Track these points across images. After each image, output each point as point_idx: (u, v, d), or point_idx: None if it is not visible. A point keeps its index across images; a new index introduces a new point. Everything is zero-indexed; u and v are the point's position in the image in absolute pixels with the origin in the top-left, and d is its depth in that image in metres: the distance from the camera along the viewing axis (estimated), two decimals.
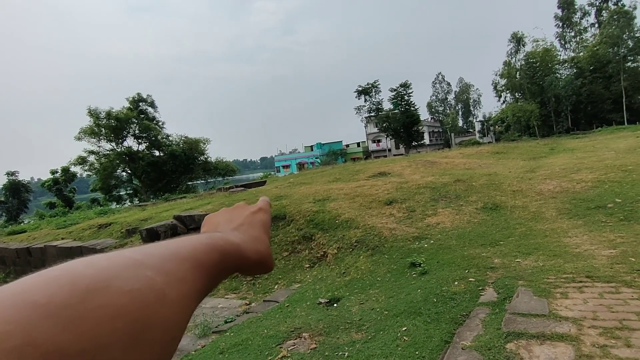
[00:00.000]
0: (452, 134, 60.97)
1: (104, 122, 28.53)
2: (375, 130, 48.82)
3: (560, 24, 45.85)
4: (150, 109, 31.56)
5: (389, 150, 51.73)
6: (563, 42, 45.77)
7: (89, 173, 30.38)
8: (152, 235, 8.22)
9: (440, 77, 76.13)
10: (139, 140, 30.30)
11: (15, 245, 11.46)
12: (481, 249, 5.95)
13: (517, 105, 40.54)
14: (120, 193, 31.28)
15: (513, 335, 3.29)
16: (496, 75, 45.15)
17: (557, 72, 40.26)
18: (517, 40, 42.53)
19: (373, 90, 41.76)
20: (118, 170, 30.11)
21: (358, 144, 59.55)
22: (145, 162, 29.41)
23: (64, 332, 0.20)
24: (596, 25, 43.61)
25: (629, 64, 37.71)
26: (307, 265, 7.23)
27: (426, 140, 51.71)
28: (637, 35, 36.65)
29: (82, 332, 0.20)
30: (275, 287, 6.92)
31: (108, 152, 29.28)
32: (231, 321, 5.61)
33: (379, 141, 55.47)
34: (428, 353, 3.42)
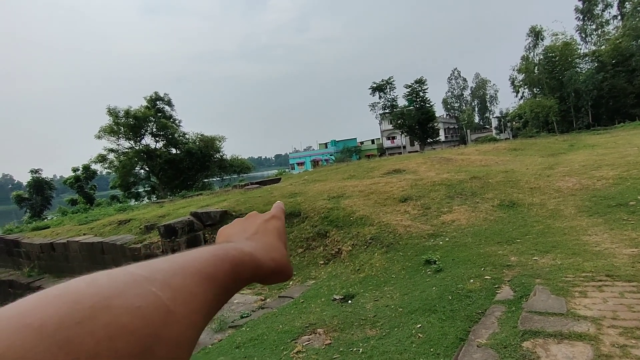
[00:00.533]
0: (468, 131, 60.07)
1: (122, 120, 29.15)
2: (390, 127, 48.48)
3: (581, 17, 44.57)
4: (167, 108, 32.07)
5: (404, 147, 51.32)
6: (584, 36, 44.51)
7: (108, 170, 31.09)
8: (170, 231, 8.38)
9: (456, 72, 75.08)
10: (157, 138, 30.85)
11: (39, 241, 11.83)
12: (497, 246, 5.88)
13: (535, 101, 39.65)
14: (139, 190, 31.92)
15: (530, 333, 3.26)
16: (513, 70, 44.23)
17: (578, 67, 39.18)
18: (536, 34, 41.54)
19: (387, 87, 41.40)
20: (136, 168, 30.73)
21: (372, 141, 59.26)
22: (163, 159, 29.93)
23: (60, 355, 0.19)
24: (619, 17, 42.23)
25: None
26: (322, 262, 7.27)
27: (441, 137, 51.14)
28: None
29: (80, 354, 0.20)
30: (290, 283, 6.98)
31: (127, 150, 29.92)
32: (247, 316, 5.71)
33: (393, 138, 55.09)
34: (443, 350, 3.42)
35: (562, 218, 6.79)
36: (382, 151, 53.34)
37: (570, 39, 39.95)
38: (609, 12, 43.39)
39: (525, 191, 8.52)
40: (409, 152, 41.31)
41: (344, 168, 15.53)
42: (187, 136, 31.54)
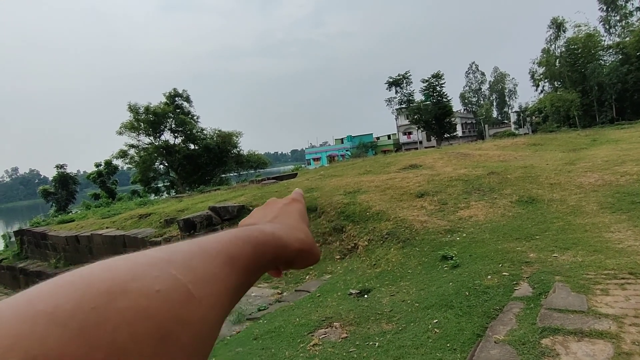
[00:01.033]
0: (486, 126, 59.01)
1: (142, 117, 29.73)
2: (406, 122, 48.01)
3: (604, 8, 43.01)
4: (185, 104, 32.50)
5: (420, 142, 50.80)
6: (607, 27, 42.96)
7: (129, 166, 31.83)
8: (188, 226, 8.56)
9: (474, 66, 73.70)
10: (175, 134, 31.34)
11: (65, 233, 12.25)
12: (516, 243, 5.82)
13: (556, 95, 38.62)
14: (158, 185, 32.55)
15: (549, 330, 3.24)
16: (534, 63, 43.19)
17: (601, 59, 37.94)
18: (558, 25, 40.37)
19: (404, 82, 40.97)
20: (156, 163, 31.31)
21: (389, 136, 58.84)
22: (181, 155, 30.44)
23: (75, 342, 0.18)
24: None
25: None
26: (338, 257, 7.32)
27: (459, 132, 50.36)
28: None
29: (97, 340, 0.19)
30: (307, 277, 7.06)
31: (147, 145, 30.52)
32: (264, 309, 5.81)
33: (409, 133, 54.56)
34: (460, 346, 3.42)
35: (584, 214, 6.65)
36: (398, 146, 52.93)
37: (594, 30, 38.74)
38: (632, 4, 41.76)
39: (545, 187, 8.36)
40: (426, 147, 40.89)
41: (360, 163, 15.51)
42: (205, 132, 31.95)
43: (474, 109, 69.62)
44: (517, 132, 46.36)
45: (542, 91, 44.31)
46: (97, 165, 34.34)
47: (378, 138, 58.92)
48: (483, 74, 73.40)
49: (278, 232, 0.36)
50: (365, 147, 50.91)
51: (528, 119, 52.57)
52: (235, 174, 32.62)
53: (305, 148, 69.15)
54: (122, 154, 30.67)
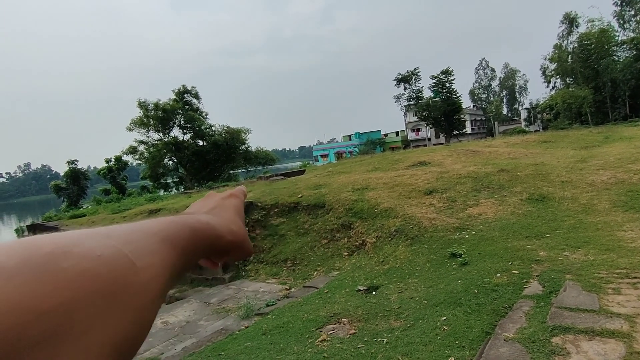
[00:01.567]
0: (496, 123, 58.34)
1: (152, 113, 29.92)
2: (415, 119, 47.72)
3: (619, 2, 42.09)
4: (194, 100, 32.64)
5: (429, 139, 50.46)
6: (622, 22, 42.06)
7: (139, 162, 32.08)
8: None
9: (484, 62, 72.71)
10: (184, 131, 31.51)
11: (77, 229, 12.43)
12: (526, 241, 5.77)
13: (568, 91, 38.02)
14: (168, 181, 32.78)
15: (559, 329, 3.22)
16: (545, 59, 42.47)
17: (615, 55, 37.23)
18: (570, 21, 39.68)
19: (413, 78, 40.66)
20: (165, 159, 31.51)
21: (397, 133, 58.55)
22: (190, 151, 30.62)
23: (25, 291, 0.20)
24: None
25: None
26: (346, 253, 7.33)
27: (468, 129, 49.88)
28: None
29: (50, 290, 0.20)
30: (315, 273, 7.09)
31: (156, 141, 30.74)
32: (272, 304, 5.84)
33: (418, 130, 54.23)
34: (468, 343, 3.41)
35: (596, 213, 6.57)
36: (406, 143, 52.65)
37: (607, 25, 37.98)
38: None
39: (556, 185, 8.27)
40: (434, 144, 40.62)
41: (368, 160, 15.47)
42: (213, 128, 32.06)
43: (483, 106, 68.85)
44: (527, 129, 45.77)
45: (553, 88, 43.66)
46: (108, 161, 34.72)
47: (386, 135, 58.67)
48: (493, 70, 72.38)
49: (212, 222, 0.37)
50: (373, 144, 50.72)
51: (539, 115, 51.89)
52: (244, 170, 32.74)
53: (313, 145, 69.16)
54: (132, 150, 30.94)
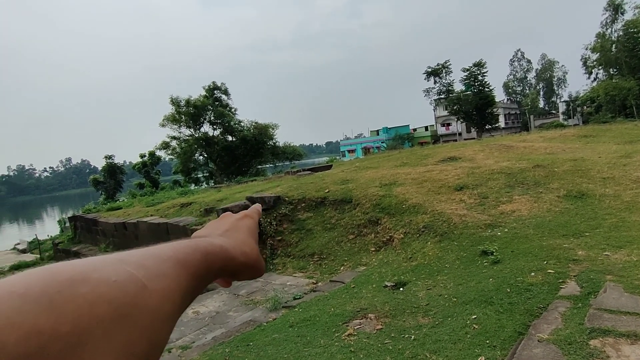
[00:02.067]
0: (532, 116, 56.05)
1: (183, 109, 30.75)
2: (445, 113, 46.59)
3: None
4: (223, 97, 33.24)
5: (459, 134, 49.19)
6: None
7: (171, 157, 33.11)
8: None
9: (519, 54, 69.97)
10: (214, 126, 32.18)
11: (114, 220, 12.99)
12: (563, 239, 5.52)
13: (612, 83, 35.98)
14: (198, 175, 33.67)
15: (598, 331, 3.07)
16: (586, 49, 40.43)
17: None
18: (615, 7, 37.48)
19: (443, 71, 39.67)
20: (196, 154, 32.37)
21: (426, 128, 57.43)
22: (220, 146, 31.26)
23: (45, 316, 0.22)
24: None
25: None
26: (373, 249, 7.28)
27: (501, 123, 48.24)
28: None
29: (63, 316, 0.22)
30: (341, 268, 7.08)
31: (187, 137, 31.60)
32: (299, 298, 5.89)
33: (448, 125, 52.97)
34: (500, 343, 3.32)
35: None
36: (436, 138, 51.56)
37: None
38: None
39: (596, 181, 7.86)
40: (465, 139, 39.55)
41: (396, 155, 15.26)
42: (242, 124, 32.55)
43: (518, 99, 66.32)
44: (566, 123, 43.71)
45: (595, 79, 41.53)
46: (142, 156, 35.96)
47: (415, 129, 57.67)
48: (529, 61, 69.51)
49: (226, 245, 0.39)
50: (401, 138, 50.01)
51: (578, 109, 49.43)
52: (271, 165, 33.08)
53: (340, 140, 68.94)
54: (165, 145, 31.93)
